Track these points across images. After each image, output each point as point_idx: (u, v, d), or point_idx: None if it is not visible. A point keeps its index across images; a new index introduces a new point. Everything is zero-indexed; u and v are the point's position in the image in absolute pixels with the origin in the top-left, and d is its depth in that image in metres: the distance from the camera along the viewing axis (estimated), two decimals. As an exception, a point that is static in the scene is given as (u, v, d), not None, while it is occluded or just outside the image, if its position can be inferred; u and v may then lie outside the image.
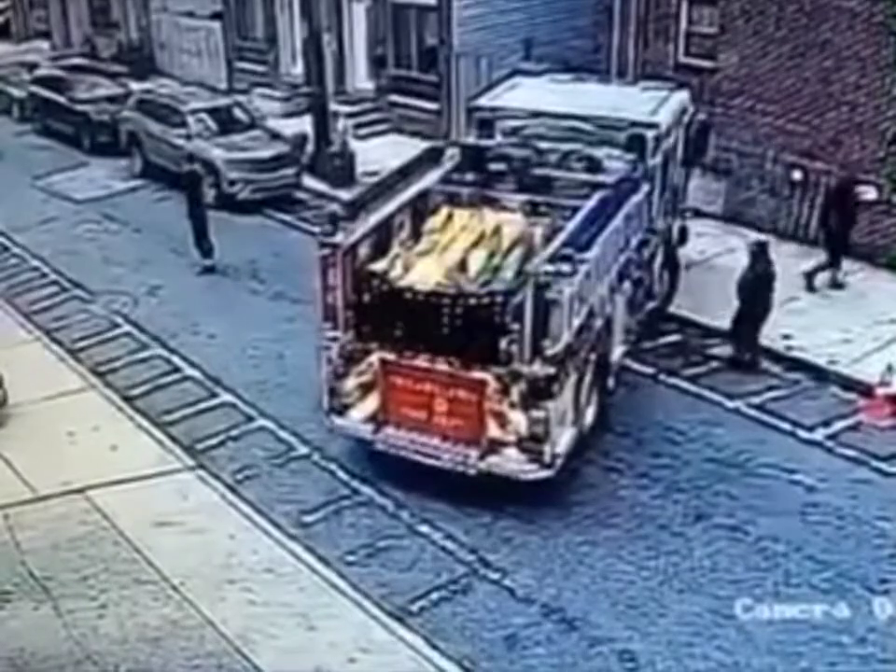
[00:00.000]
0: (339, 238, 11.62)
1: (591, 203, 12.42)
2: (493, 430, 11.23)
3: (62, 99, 26.21)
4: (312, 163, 22.18)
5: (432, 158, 14.46)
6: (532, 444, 11.08)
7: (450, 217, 13.25)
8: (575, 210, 12.37)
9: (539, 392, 10.86)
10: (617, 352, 13.34)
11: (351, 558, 10.94)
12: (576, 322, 11.10)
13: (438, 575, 10.66)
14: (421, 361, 11.45)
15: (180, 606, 10.16)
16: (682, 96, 15.48)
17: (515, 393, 10.99)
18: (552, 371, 10.80)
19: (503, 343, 10.95)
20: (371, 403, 11.89)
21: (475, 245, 12.54)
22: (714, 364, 14.52)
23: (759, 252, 14.02)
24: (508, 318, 10.93)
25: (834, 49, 16.93)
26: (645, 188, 13.55)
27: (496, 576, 10.64)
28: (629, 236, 13.11)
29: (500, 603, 10.28)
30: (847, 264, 16.22)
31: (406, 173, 13.66)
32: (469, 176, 14.30)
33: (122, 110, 24.23)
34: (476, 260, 12.11)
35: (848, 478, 12.02)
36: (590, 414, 12.30)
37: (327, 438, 12.77)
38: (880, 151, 16.66)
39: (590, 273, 11.29)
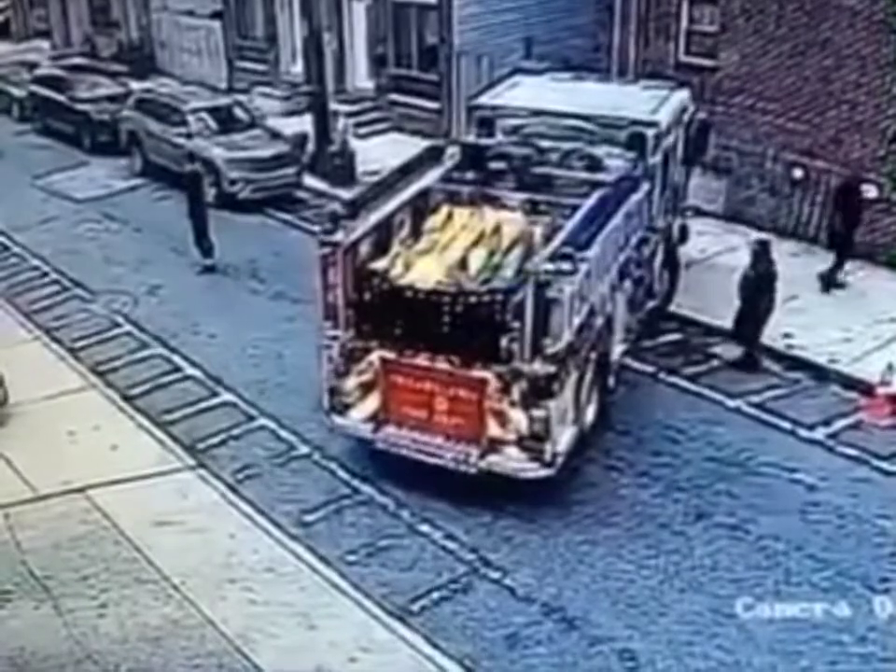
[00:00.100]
0: (339, 237, 11.62)
1: (591, 202, 12.41)
2: (493, 429, 11.23)
3: (62, 98, 26.19)
4: (312, 162, 22.17)
5: (432, 157, 14.46)
6: (533, 443, 11.08)
7: (450, 215, 13.25)
8: (575, 209, 12.36)
9: (539, 391, 10.86)
10: (617, 350, 13.33)
11: (352, 557, 10.94)
12: (576, 321, 11.09)
13: (438, 574, 10.67)
14: (421, 360, 11.45)
15: (181, 605, 10.16)
16: (683, 95, 15.47)
17: (516, 392, 10.99)
18: (552, 369, 10.80)
19: (504, 342, 10.94)
20: (372, 402, 11.88)
21: (475, 243, 12.54)
22: (714, 363, 14.52)
23: (761, 251, 14.01)
24: (508, 317, 10.93)
25: (835, 48, 16.92)
26: (645, 186, 13.55)
27: (496, 575, 10.64)
28: (629, 235, 13.10)
29: (501, 602, 10.28)
30: (847, 263, 16.22)
31: (406, 171, 13.66)
32: (470, 175, 14.29)
33: (122, 109, 24.21)
34: (476, 259, 12.10)
35: (849, 477, 12.02)
36: (590, 413, 12.30)
37: (327, 437, 12.77)
38: (881, 150, 16.65)
39: (590, 272, 11.28)
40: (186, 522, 11.42)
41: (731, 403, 13.51)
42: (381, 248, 12.34)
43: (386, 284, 11.62)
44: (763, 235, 15.54)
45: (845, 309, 15.46)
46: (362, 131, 24.08)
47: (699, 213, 17.62)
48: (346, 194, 16.79)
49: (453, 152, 14.87)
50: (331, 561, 10.83)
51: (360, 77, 26.02)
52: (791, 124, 17.83)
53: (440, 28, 23.58)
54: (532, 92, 15.25)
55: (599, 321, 12.05)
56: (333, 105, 23.18)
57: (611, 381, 13.12)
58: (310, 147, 22.47)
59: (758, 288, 13.87)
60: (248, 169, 20.99)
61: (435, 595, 10.38)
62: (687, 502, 11.64)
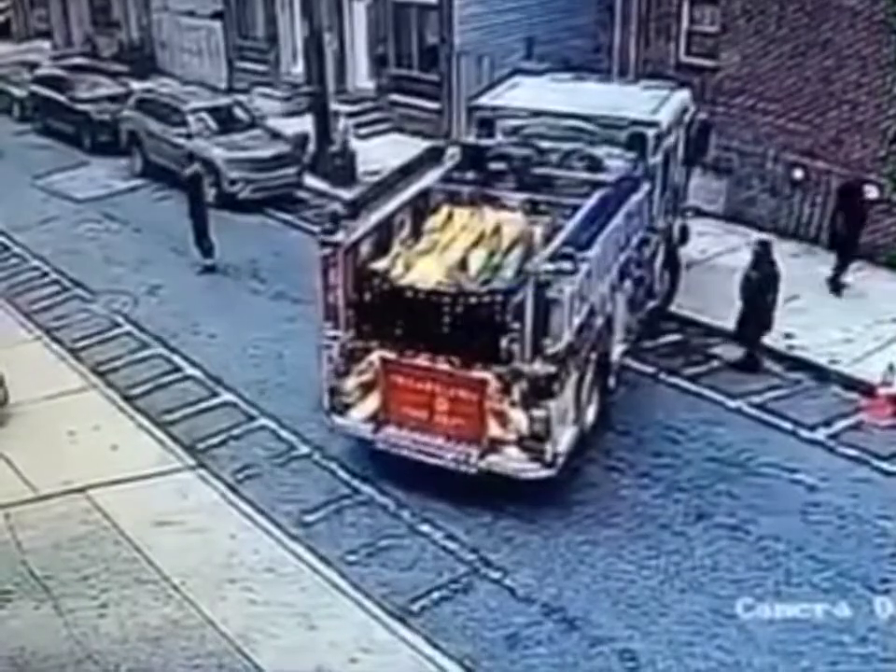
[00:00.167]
0: (340, 237, 11.61)
1: (591, 202, 12.41)
2: (494, 429, 11.22)
3: (62, 98, 26.20)
4: (313, 163, 22.17)
5: (433, 157, 14.46)
6: (533, 443, 11.07)
7: (450, 216, 13.24)
8: (575, 209, 12.36)
9: (539, 391, 10.85)
10: (618, 351, 13.33)
11: (352, 558, 10.93)
12: (577, 321, 11.09)
13: (439, 574, 10.66)
14: (422, 360, 11.44)
15: (181, 605, 10.16)
16: (683, 95, 15.47)
17: (516, 392, 10.98)
18: (552, 369, 10.79)
19: (504, 342, 10.94)
20: (372, 402, 11.88)
21: (475, 243, 12.53)
22: (715, 363, 14.52)
23: (762, 252, 14.01)
24: (508, 317, 10.92)
25: (835, 48, 16.92)
26: (646, 186, 13.54)
27: (497, 575, 10.64)
28: (630, 235, 13.10)
29: (501, 602, 10.28)
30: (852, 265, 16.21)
31: (407, 172, 13.66)
32: (470, 175, 14.28)
33: (123, 109, 24.20)
34: (476, 259, 12.10)
35: (850, 477, 12.01)
36: (591, 413, 12.29)
37: (327, 437, 12.76)
38: (881, 150, 16.65)
39: (591, 272, 11.28)
40: (186, 522, 11.42)
41: (731, 404, 13.50)
42: (381, 249, 12.34)
43: (387, 284, 11.61)
44: (764, 236, 15.53)
45: (845, 310, 15.46)
46: (363, 131, 24.09)
47: (700, 213, 17.61)
48: (347, 194, 16.81)
49: (453, 152, 14.87)
50: (332, 561, 10.83)
51: (361, 78, 26.02)
52: (791, 125, 17.83)
53: (440, 28, 23.58)
54: (532, 93, 15.25)
55: (599, 321, 12.05)
56: (334, 106, 23.18)
57: (612, 381, 13.11)
58: (310, 147, 22.47)
59: (759, 289, 13.86)
60: (248, 169, 20.99)
61: (435, 595, 10.38)
62: (688, 503, 11.64)
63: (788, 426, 12.99)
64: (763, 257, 13.98)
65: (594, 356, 12.02)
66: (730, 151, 18.64)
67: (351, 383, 11.93)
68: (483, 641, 9.81)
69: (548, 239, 12.19)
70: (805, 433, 12.85)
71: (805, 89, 17.52)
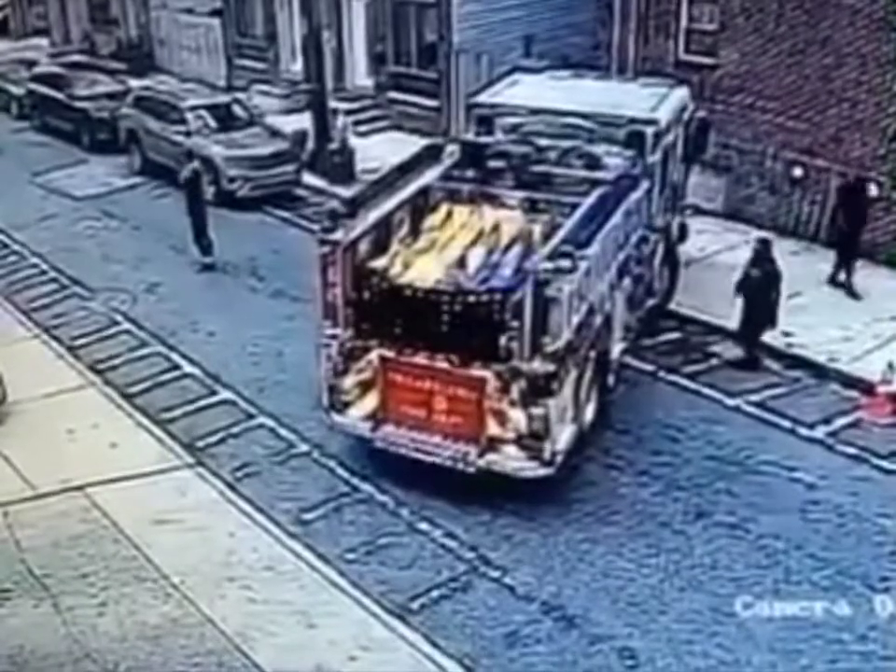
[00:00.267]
0: (339, 235, 11.60)
1: (590, 200, 12.40)
2: (492, 428, 11.21)
3: (61, 96, 26.17)
4: (311, 160, 22.15)
5: (432, 155, 14.44)
6: (532, 442, 11.06)
7: (449, 214, 13.25)
8: (574, 207, 12.36)
9: (538, 389, 10.84)
10: (617, 349, 13.32)
11: (351, 556, 10.93)
12: (575, 319, 11.08)
13: (438, 573, 10.66)
14: (420, 359, 11.43)
15: (180, 604, 10.15)
16: (682, 93, 15.46)
17: (515, 390, 10.97)
18: (551, 368, 10.78)
19: (503, 341, 10.93)
20: (371, 401, 11.87)
21: (474, 242, 12.54)
22: (714, 361, 14.52)
23: (762, 250, 14.00)
24: (507, 315, 10.91)
25: (835, 46, 16.91)
26: (644, 184, 13.54)
27: (496, 574, 10.63)
28: (629, 233, 13.09)
29: (500, 601, 10.27)
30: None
31: (406, 170, 13.65)
32: (469, 173, 14.26)
33: (121, 107, 24.17)
34: (475, 257, 12.10)
35: (849, 475, 12.01)
36: (590, 412, 12.29)
37: (326, 435, 12.75)
38: (881, 148, 16.64)
39: (589, 271, 11.27)
40: (185, 520, 11.41)
41: (731, 402, 13.50)
42: (380, 247, 12.33)
43: (386, 282, 11.61)
44: (764, 234, 15.52)
45: (845, 307, 15.46)
46: (361, 129, 24.07)
47: (698, 211, 17.62)
48: (345, 192, 16.82)
49: (452, 150, 14.86)
50: (331, 559, 10.82)
51: (360, 75, 26.01)
52: (790, 122, 17.82)
53: (439, 26, 23.57)
54: (531, 90, 15.25)
55: (598, 320, 12.04)
56: (332, 103, 23.15)
57: (611, 379, 13.11)
58: (309, 144, 22.45)
59: (759, 288, 13.86)
60: (247, 167, 20.97)
61: (434, 593, 10.37)
62: (687, 501, 11.63)
63: (787, 424, 12.99)
64: (762, 255, 13.97)
65: (593, 354, 12.01)
66: (729, 149, 18.63)
67: (350, 381, 11.92)
68: (483, 639, 9.80)
69: (547, 237, 12.19)
70: (804, 431, 12.85)
71: (804, 86, 17.51)
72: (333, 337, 11.86)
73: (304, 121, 22.88)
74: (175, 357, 15.24)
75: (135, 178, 23.08)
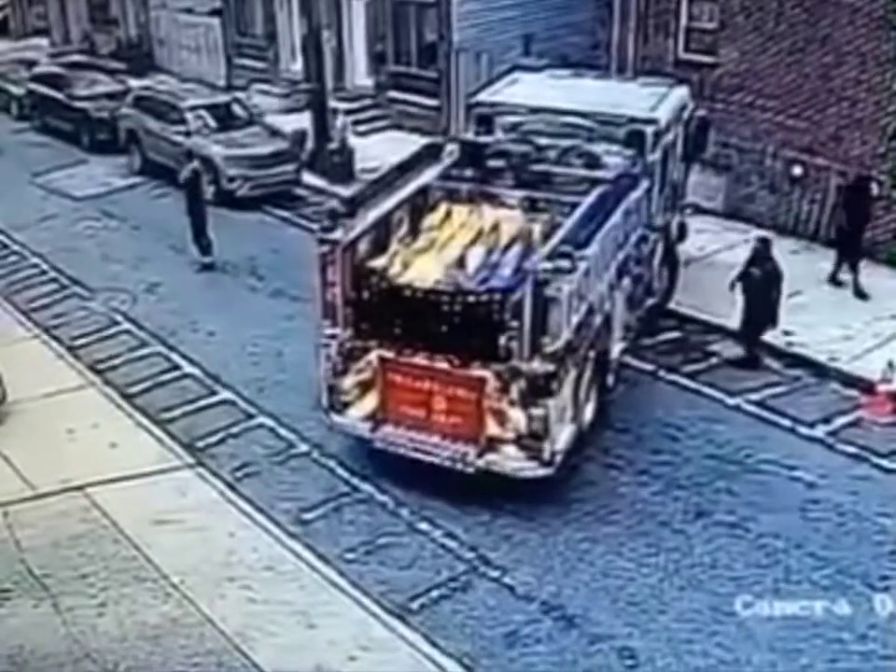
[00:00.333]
0: (338, 235, 11.60)
1: (590, 200, 12.39)
2: (492, 428, 11.21)
3: (60, 96, 26.16)
4: (311, 160, 22.14)
5: (431, 154, 14.43)
6: (531, 442, 11.06)
7: (449, 213, 13.24)
8: (574, 206, 12.34)
9: (538, 389, 10.84)
10: (616, 348, 13.31)
11: (351, 556, 10.92)
12: (575, 319, 11.07)
13: (438, 572, 10.65)
14: (420, 359, 11.42)
15: (180, 603, 10.15)
16: (682, 92, 15.45)
17: (514, 390, 10.96)
18: (551, 368, 10.78)
19: (502, 341, 10.92)
20: (370, 401, 11.86)
21: (474, 241, 12.53)
22: (714, 360, 14.51)
23: (762, 249, 14.00)
24: (507, 315, 10.90)
25: (835, 45, 16.90)
26: (644, 184, 13.53)
27: (495, 573, 10.63)
28: (628, 232, 13.08)
29: (500, 600, 10.27)
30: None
31: (405, 169, 13.64)
32: (469, 173, 14.24)
33: (121, 107, 24.16)
34: (475, 257, 12.09)
35: (849, 474, 12.01)
36: (589, 411, 12.28)
37: (326, 435, 12.75)
38: (881, 147, 16.64)
39: (589, 270, 11.26)
40: (185, 520, 11.41)
41: (730, 401, 13.50)
42: (379, 246, 12.32)
43: (385, 282, 11.60)
44: (764, 233, 15.51)
45: (845, 306, 15.45)
46: (361, 128, 24.07)
47: (698, 210, 17.61)
48: (345, 192, 16.79)
49: (451, 149, 14.84)
50: (330, 559, 10.82)
51: (359, 75, 26.00)
52: (790, 121, 17.81)
53: (439, 25, 23.56)
54: (531, 90, 15.24)
55: (598, 319, 12.03)
56: (332, 103, 23.15)
57: (610, 379, 13.10)
58: (309, 144, 22.44)
59: (760, 287, 13.85)
60: (247, 166, 20.97)
61: (434, 593, 10.37)
62: (687, 500, 11.63)
63: (787, 423, 12.99)
64: (761, 254, 13.96)
65: (592, 354, 12.00)
66: (729, 148, 18.62)
67: (349, 381, 11.92)
68: (482, 639, 9.80)
69: (547, 236, 12.18)
70: (804, 430, 12.85)
71: (804, 85, 17.50)
72: (333, 337, 11.85)
73: (304, 121, 22.87)
74: (174, 356, 15.24)
75: (135, 178, 23.08)
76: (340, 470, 12.38)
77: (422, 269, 11.79)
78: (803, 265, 16.26)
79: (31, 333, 16.00)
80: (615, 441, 12.65)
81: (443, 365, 11.28)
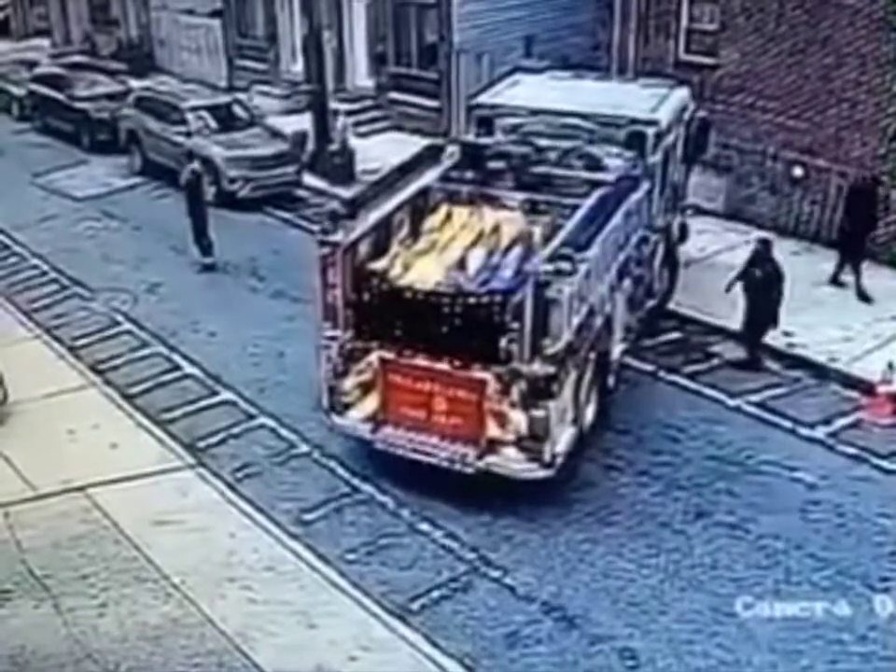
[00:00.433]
0: (339, 236, 11.60)
1: (590, 202, 12.40)
2: (492, 430, 11.21)
3: (61, 97, 26.18)
4: (312, 161, 22.16)
5: (432, 156, 14.44)
6: (532, 443, 11.06)
7: (449, 215, 13.24)
8: (575, 208, 12.35)
9: (538, 391, 10.84)
10: (617, 350, 13.32)
11: (351, 556, 10.93)
12: (576, 321, 11.07)
13: (438, 573, 10.66)
14: (420, 360, 11.43)
15: (180, 604, 10.16)
16: (683, 93, 15.46)
17: (515, 392, 10.97)
18: (551, 369, 10.78)
19: (503, 343, 10.93)
20: (371, 402, 11.87)
21: (474, 243, 12.54)
22: (715, 361, 14.52)
23: (763, 250, 14.00)
24: (507, 317, 10.91)
25: (835, 46, 16.92)
26: (645, 185, 13.54)
27: (496, 574, 10.64)
28: (629, 234, 13.09)
29: (501, 601, 10.28)
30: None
31: (406, 171, 13.64)
32: (469, 174, 14.24)
33: (122, 108, 24.19)
34: (475, 259, 12.10)
35: (849, 475, 12.02)
36: (590, 413, 12.29)
37: (327, 436, 12.76)
38: (881, 148, 16.65)
39: (590, 272, 11.26)
40: (185, 520, 11.42)
41: (731, 402, 13.51)
42: (380, 248, 12.32)
43: (385, 284, 11.60)
44: (765, 234, 15.52)
45: (845, 308, 15.46)
46: (362, 129, 24.08)
47: (699, 211, 17.63)
48: (346, 193, 16.81)
49: (452, 151, 14.84)
50: (331, 559, 10.83)
51: (360, 76, 26.02)
52: (791, 122, 17.83)
53: (439, 26, 23.58)
54: (532, 91, 15.24)
55: (599, 321, 12.03)
56: (333, 104, 23.16)
57: (611, 380, 13.11)
58: (309, 145, 22.46)
59: (761, 288, 13.86)
60: (248, 167, 20.98)
61: (435, 593, 10.38)
62: (687, 501, 11.64)
63: (787, 424, 13.00)
64: (762, 255, 13.97)
65: (593, 355, 12.01)
66: (729, 149, 18.63)
67: (350, 382, 11.93)
68: (483, 640, 9.81)
69: (547, 238, 12.18)
70: (804, 431, 12.86)
71: (804, 86, 17.52)
72: (333, 338, 11.86)
73: (305, 122, 22.88)
74: (175, 357, 15.25)
75: (136, 179, 23.09)
76: (340, 471, 12.40)
77: (422, 271, 11.79)
78: (803, 266, 16.26)
79: (32, 334, 16.00)
80: (616, 442, 12.66)
81: (444, 366, 11.29)
